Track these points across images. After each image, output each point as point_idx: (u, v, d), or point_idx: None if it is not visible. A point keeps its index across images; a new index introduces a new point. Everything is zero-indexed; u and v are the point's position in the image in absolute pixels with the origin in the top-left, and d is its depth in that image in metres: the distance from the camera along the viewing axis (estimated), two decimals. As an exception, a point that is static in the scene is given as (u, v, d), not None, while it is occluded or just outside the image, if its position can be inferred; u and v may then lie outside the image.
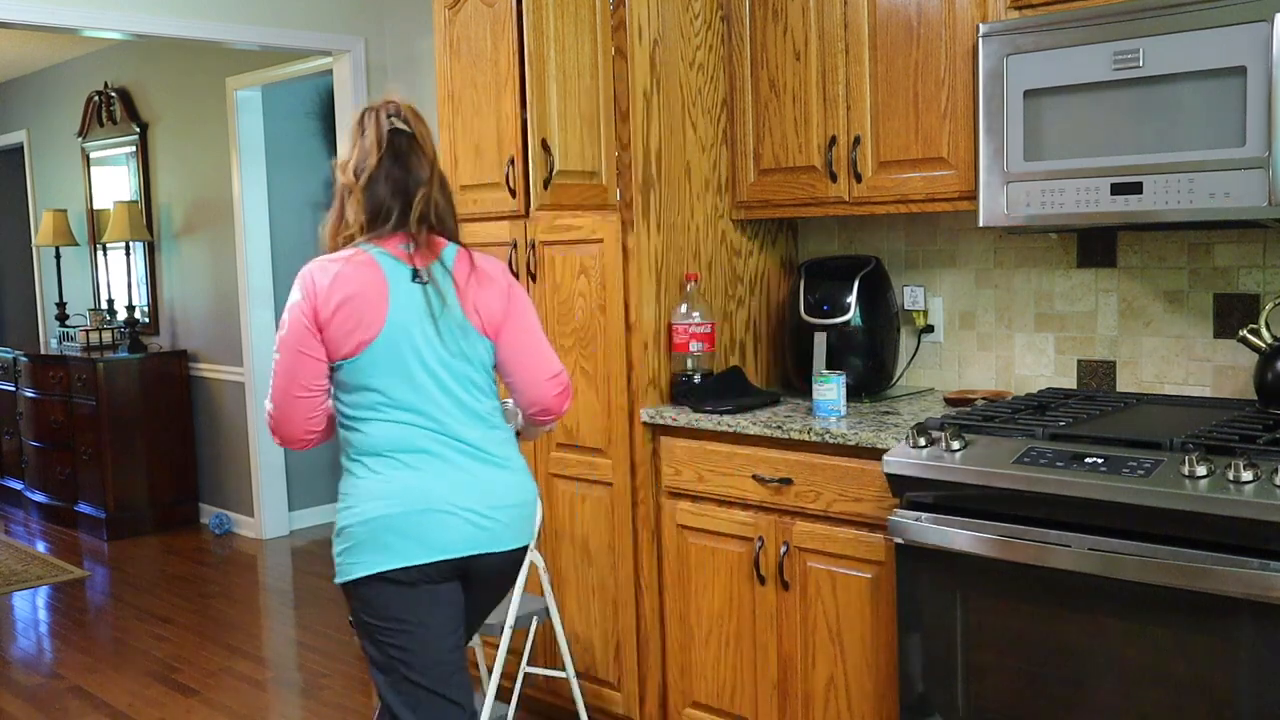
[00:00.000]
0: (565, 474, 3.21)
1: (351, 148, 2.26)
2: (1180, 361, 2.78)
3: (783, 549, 2.78)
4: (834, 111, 2.93)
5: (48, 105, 7.43)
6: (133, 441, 6.22)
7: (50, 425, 6.55)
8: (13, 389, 6.97)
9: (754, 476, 2.82)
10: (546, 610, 2.99)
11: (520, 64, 3.03)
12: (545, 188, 2.81)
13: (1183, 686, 2.09)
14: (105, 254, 7.03)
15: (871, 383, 3.05)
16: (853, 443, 2.60)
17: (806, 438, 2.69)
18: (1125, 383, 2.86)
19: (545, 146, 2.81)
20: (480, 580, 2.30)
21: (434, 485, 2.19)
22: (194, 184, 6.26)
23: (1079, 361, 2.94)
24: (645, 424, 3.02)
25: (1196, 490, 2.03)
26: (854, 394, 3.01)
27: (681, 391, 3.03)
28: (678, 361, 3.06)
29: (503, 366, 2.31)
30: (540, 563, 2.98)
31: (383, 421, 2.19)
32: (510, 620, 2.86)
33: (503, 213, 3.26)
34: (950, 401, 2.95)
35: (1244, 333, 2.52)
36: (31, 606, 5.06)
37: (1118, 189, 2.38)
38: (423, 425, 2.19)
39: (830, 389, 2.79)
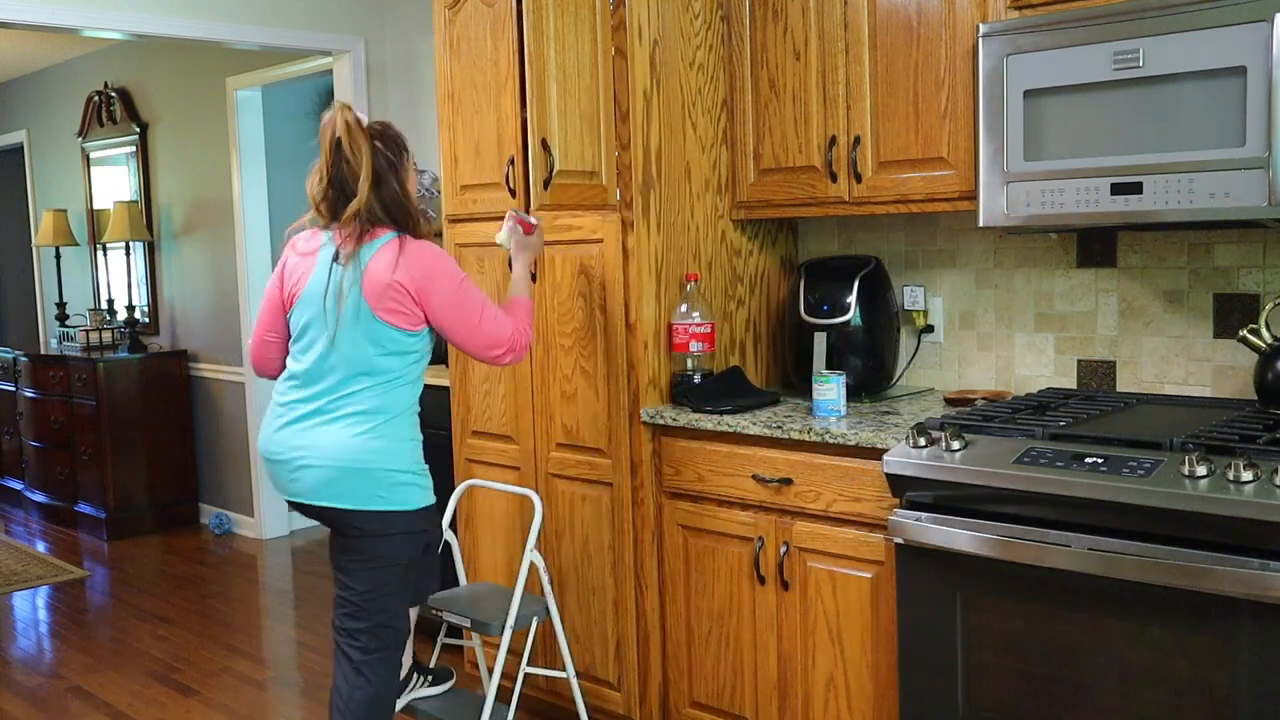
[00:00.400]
0: (565, 474, 3.21)
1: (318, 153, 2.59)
2: (1180, 361, 2.78)
3: (783, 549, 2.78)
4: (834, 111, 2.94)
5: (48, 105, 7.43)
6: (133, 441, 6.22)
7: (50, 425, 6.55)
8: (13, 389, 6.97)
9: (754, 476, 2.82)
10: (546, 610, 2.98)
11: (520, 64, 3.03)
12: (545, 188, 2.81)
13: (1183, 686, 2.09)
14: (105, 254, 7.03)
15: (871, 383, 3.05)
16: (853, 443, 2.60)
17: (806, 438, 2.69)
18: (1125, 383, 2.86)
19: (545, 146, 2.80)
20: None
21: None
22: (194, 184, 6.26)
23: (1079, 361, 2.94)
24: (645, 424, 3.02)
25: (1196, 490, 2.03)
26: (854, 394, 3.01)
27: (681, 391, 3.03)
28: (678, 361, 3.06)
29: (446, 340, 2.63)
30: (540, 563, 2.98)
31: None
32: (510, 620, 2.86)
33: (503, 213, 3.25)
34: (950, 401, 2.95)
35: (1244, 333, 2.52)
36: (31, 606, 5.06)
37: (1118, 189, 2.38)
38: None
39: (830, 389, 2.79)
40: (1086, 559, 2.15)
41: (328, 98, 5.77)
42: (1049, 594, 2.23)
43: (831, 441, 2.65)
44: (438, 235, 3.19)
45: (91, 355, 6.24)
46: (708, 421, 2.88)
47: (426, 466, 2.63)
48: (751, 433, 2.80)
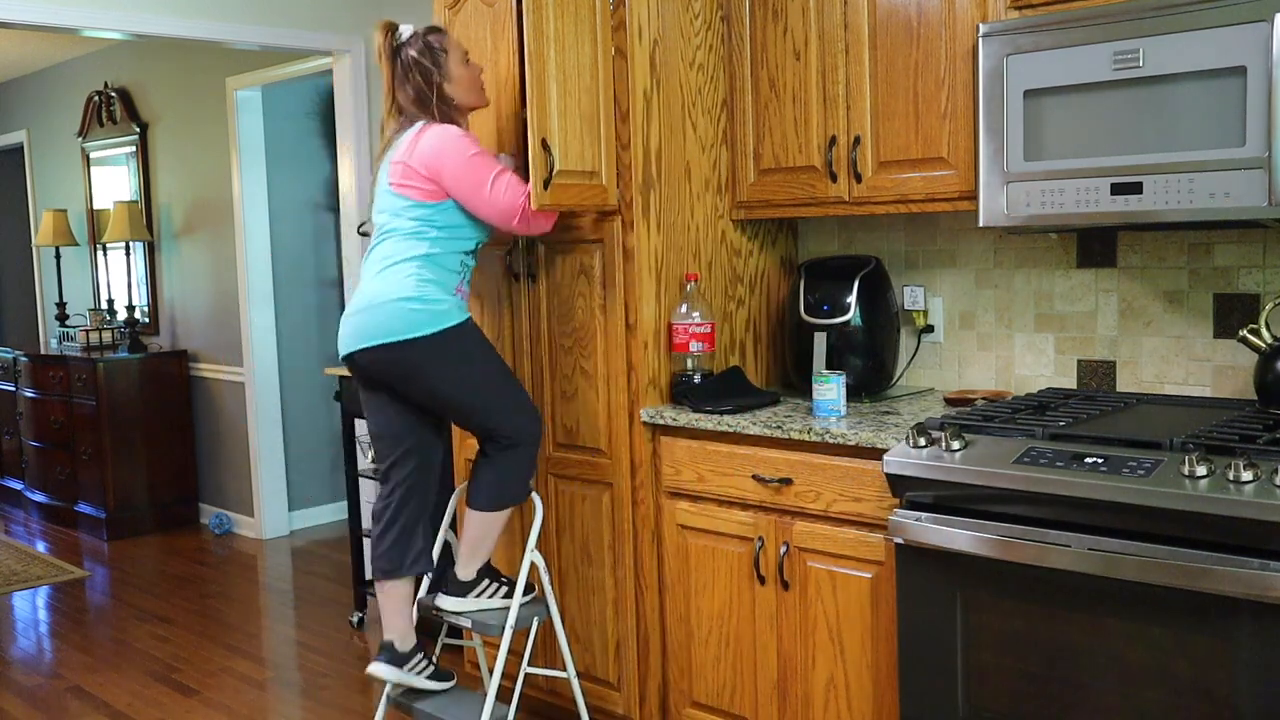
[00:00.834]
0: (565, 474, 3.21)
1: None
2: (1180, 361, 2.78)
3: (783, 549, 2.78)
4: (834, 111, 2.94)
5: (48, 105, 7.43)
6: (133, 441, 6.22)
7: (50, 425, 6.55)
8: (13, 389, 6.97)
9: (754, 476, 2.82)
10: (546, 610, 2.98)
11: (520, 64, 3.03)
12: (545, 188, 2.81)
13: (1183, 686, 2.09)
14: (105, 254, 7.03)
15: (871, 383, 3.06)
16: (853, 443, 2.60)
17: (806, 438, 2.69)
18: (1125, 383, 2.86)
19: (545, 146, 2.80)
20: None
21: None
22: (194, 184, 6.26)
23: (1079, 361, 2.94)
24: (645, 424, 3.02)
25: (1196, 490, 2.03)
26: (854, 394, 3.01)
27: (681, 391, 3.02)
28: (678, 361, 3.06)
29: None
30: (540, 563, 2.98)
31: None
32: (511, 620, 2.86)
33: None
34: (950, 401, 2.95)
35: (1244, 333, 2.52)
36: (31, 606, 5.06)
37: (1118, 189, 2.38)
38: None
39: (830, 389, 2.79)
40: (1086, 559, 2.15)
41: (328, 98, 5.77)
42: (1049, 594, 2.23)
43: (831, 441, 2.65)
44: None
45: (91, 355, 6.24)
46: (708, 421, 2.88)
47: (458, 300, 2.85)
48: (751, 433, 2.80)
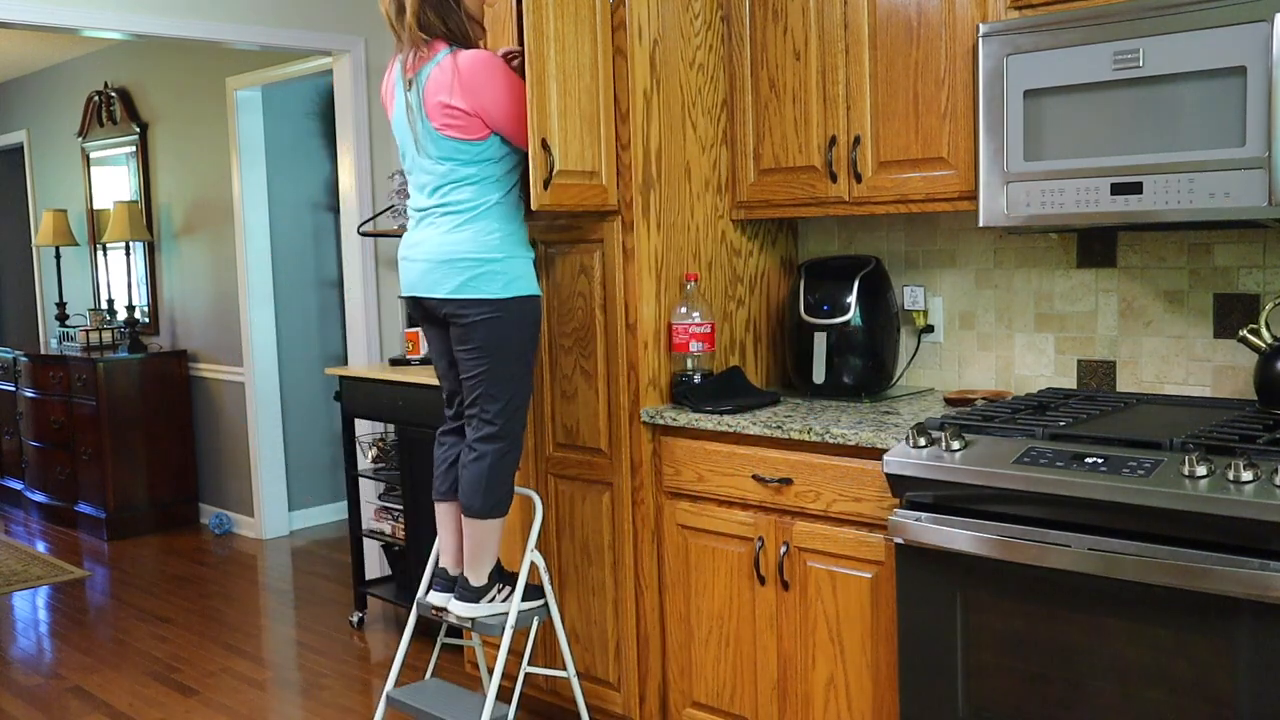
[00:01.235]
0: (565, 474, 3.21)
1: None
2: (1180, 361, 2.78)
3: (783, 549, 2.78)
4: (834, 111, 2.94)
5: (48, 105, 7.43)
6: (133, 441, 6.22)
7: (50, 425, 6.55)
8: (13, 389, 6.98)
9: (754, 476, 2.82)
10: (547, 610, 2.99)
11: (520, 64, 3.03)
12: (545, 188, 2.81)
13: (1183, 686, 2.09)
14: (105, 254, 7.03)
15: (871, 383, 3.06)
16: (853, 443, 2.60)
17: (806, 438, 2.69)
18: (1125, 383, 2.86)
19: (545, 146, 2.80)
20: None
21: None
22: (194, 184, 6.26)
23: (1079, 361, 2.94)
24: (645, 424, 3.02)
25: (1196, 490, 2.03)
26: (854, 394, 3.01)
27: (681, 391, 3.02)
28: (678, 361, 3.06)
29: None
30: (540, 563, 2.98)
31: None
32: (511, 620, 2.86)
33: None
34: (950, 401, 2.95)
35: (1244, 333, 2.52)
36: (31, 606, 5.06)
37: (1118, 189, 2.38)
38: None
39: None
40: (1086, 559, 2.15)
41: (328, 98, 5.77)
42: (1049, 594, 2.23)
43: (831, 441, 2.65)
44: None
45: (91, 355, 6.24)
46: (708, 421, 2.88)
47: (530, 255, 2.85)
48: (751, 433, 2.80)
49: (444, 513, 2.99)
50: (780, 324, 3.33)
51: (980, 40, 2.54)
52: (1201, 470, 2.05)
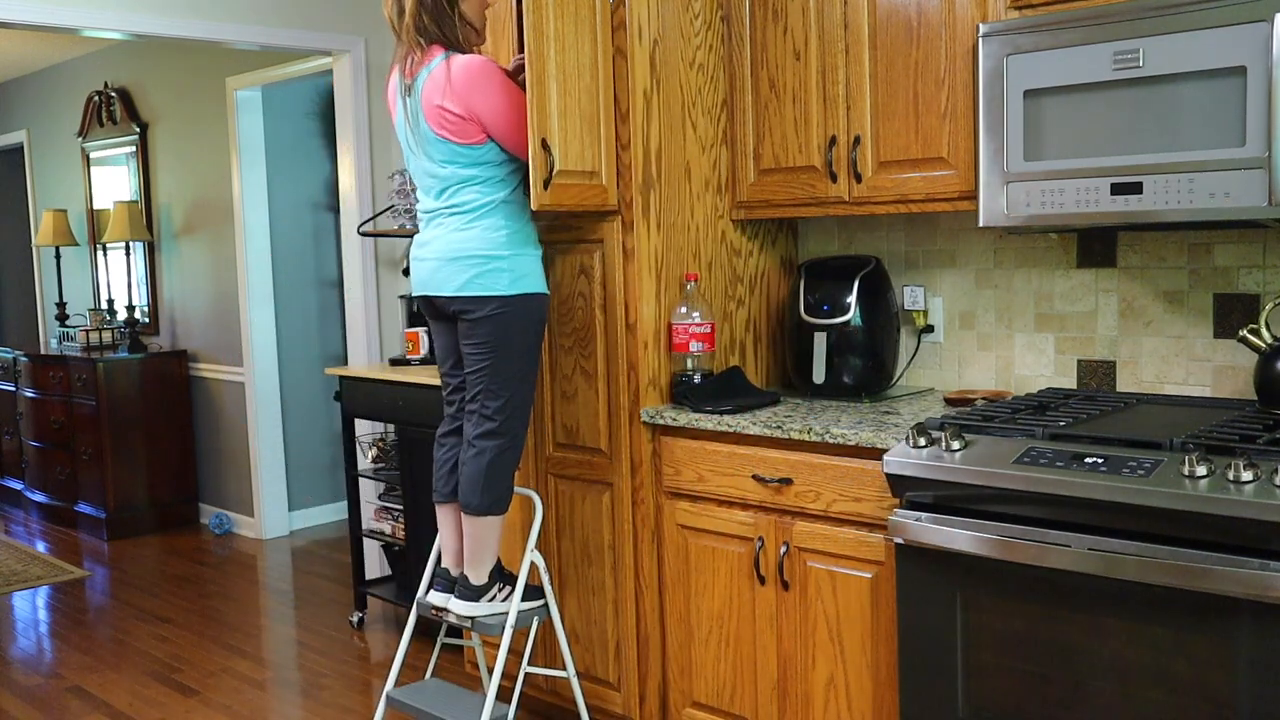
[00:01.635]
0: (565, 474, 3.21)
1: None
2: (1180, 361, 2.78)
3: (783, 549, 2.78)
4: (834, 111, 2.94)
5: (48, 105, 7.43)
6: (133, 441, 6.22)
7: (50, 425, 6.55)
8: (13, 389, 6.98)
9: (754, 476, 2.82)
10: (547, 610, 2.99)
11: (520, 64, 3.03)
12: (545, 188, 2.81)
13: (1183, 686, 2.09)
14: (105, 254, 7.03)
15: (871, 383, 3.06)
16: (853, 443, 2.60)
17: (806, 438, 2.69)
18: (1125, 383, 2.86)
19: (545, 146, 2.80)
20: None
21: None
22: (194, 184, 6.26)
23: (1079, 361, 2.94)
24: (645, 424, 3.02)
25: (1196, 490, 2.03)
26: (854, 394, 3.01)
27: (681, 391, 3.02)
28: (678, 361, 3.06)
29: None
30: (540, 563, 2.98)
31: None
32: (511, 620, 2.86)
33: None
34: (950, 401, 2.95)
35: (1244, 333, 2.52)
36: (31, 606, 5.06)
37: (1118, 189, 2.38)
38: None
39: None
40: (1086, 559, 2.15)
41: (328, 98, 5.77)
42: (1049, 594, 2.23)
43: (831, 441, 2.65)
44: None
45: (91, 355, 6.24)
46: (708, 421, 2.89)
47: (538, 252, 2.87)
48: (751, 433, 2.80)
49: (445, 514, 3.00)
50: (780, 324, 3.33)
51: (980, 40, 2.54)
52: (1201, 470, 2.05)
